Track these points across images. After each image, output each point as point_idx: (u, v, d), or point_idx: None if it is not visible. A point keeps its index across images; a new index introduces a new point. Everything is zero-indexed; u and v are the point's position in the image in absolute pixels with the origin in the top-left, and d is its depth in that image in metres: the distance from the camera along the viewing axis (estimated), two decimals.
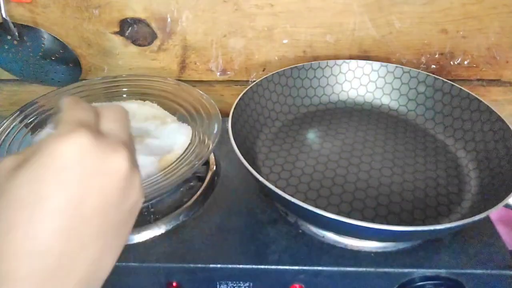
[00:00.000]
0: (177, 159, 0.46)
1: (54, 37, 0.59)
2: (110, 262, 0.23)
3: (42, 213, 0.20)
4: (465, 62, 0.62)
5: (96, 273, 0.23)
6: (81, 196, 0.21)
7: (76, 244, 0.21)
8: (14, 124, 0.50)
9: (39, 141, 0.22)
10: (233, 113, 0.48)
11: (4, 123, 0.49)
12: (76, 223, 0.21)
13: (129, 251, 0.42)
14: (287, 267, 0.41)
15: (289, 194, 0.37)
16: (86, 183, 0.21)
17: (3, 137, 0.47)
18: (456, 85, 0.55)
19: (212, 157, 0.53)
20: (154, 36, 0.61)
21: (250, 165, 0.41)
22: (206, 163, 0.52)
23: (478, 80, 0.64)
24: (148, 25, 0.60)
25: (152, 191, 0.41)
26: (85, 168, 0.21)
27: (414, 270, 0.40)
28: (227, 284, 0.42)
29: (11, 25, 0.56)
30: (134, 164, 0.24)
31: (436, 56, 0.62)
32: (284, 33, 0.60)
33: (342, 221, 0.35)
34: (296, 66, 0.58)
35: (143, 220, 0.44)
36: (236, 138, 0.44)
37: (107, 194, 0.22)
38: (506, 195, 0.39)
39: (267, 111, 0.56)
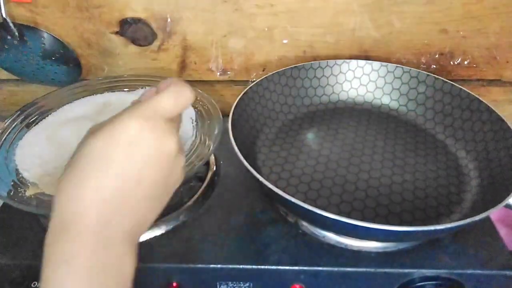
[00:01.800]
0: None
1: (54, 37, 0.59)
2: (151, 219, 0.29)
3: (109, 173, 0.26)
4: (465, 62, 0.62)
5: (141, 226, 0.28)
6: (140, 166, 0.26)
7: (131, 201, 0.27)
8: (14, 124, 0.50)
9: (119, 113, 0.27)
10: (233, 113, 0.48)
11: (4, 124, 0.49)
12: (133, 185, 0.26)
13: None
14: (287, 267, 0.41)
15: (289, 194, 0.37)
16: (145, 157, 0.27)
17: (3, 137, 0.47)
18: (456, 85, 0.55)
19: (212, 157, 0.53)
20: (154, 36, 0.61)
21: (250, 165, 0.41)
22: (207, 163, 0.52)
23: (478, 80, 0.64)
24: (148, 25, 0.60)
25: None
26: (147, 146, 0.26)
27: (414, 270, 0.41)
28: (227, 284, 0.42)
29: (11, 25, 0.56)
30: (181, 148, 0.29)
31: (436, 56, 0.62)
32: (284, 33, 0.60)
33: (343, 221, 0.35)
34: (296, 66, 0.58)
35: None
36: (236, 138, 0.44)
37: (159, 168, 0.27)
38: (506, 195, 0.39)
39: (267, 111, 0.56)
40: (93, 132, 0.27)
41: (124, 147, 0.26)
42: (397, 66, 0.59)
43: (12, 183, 0.42)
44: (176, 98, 0.28)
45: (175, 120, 0.30)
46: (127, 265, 0.27)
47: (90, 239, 0.25)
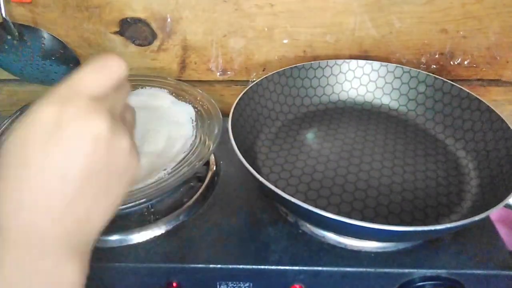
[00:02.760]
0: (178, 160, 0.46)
1: (54, 37, 0.59)
2: (98, 220, 0.25)
3: (27, 175, 0.22)
4: (465, 62, 0.62)
5: (83, 230, 0.24)
6: (62, 157, 0.22)
7: (57, 202, 0.22)
8: (14, 124, 0.50)
9: (34, 103, 0.23)
10: (233, 113, 0.48)
11: (4, 124, 0.49)
12: (56, 182, 0.22)
13: (129, 251, 0.42)
14: (287, 267, 0.41)
15: (289, 194, 0.37)
16: (67, 146, 0.22)
17: (3, 138, 0.47)
18: (456, 85, 0.55)
19: (212, 157, 0.53)
20: (154, 36, 0.61)
21: (250, 165, 0.41)
22: (206, 163, 0.52)
23: (478, 80, 0.64)
24: (148, 25, 0.60)
25: (153, 192, 0.41)
26: (68, 133, 0.22)
27: (414, 270, 0.41)
28: (227, 284, 0.42)
29: (11, 25, 0.56)
30: (117, 128, 0.24)
31: (436, 56, 0.62)
32: (284, 33, 0.60)
33: (342, 221, 0.35)
34: (296, 66, 0.58)
35: (143, 220, 0.44)
36: (236, 138, 0.44)
37: (88, 155, 0.23)
38: (506, 195, 0.39)
39: (267, 111, 0.56)
40: (12, 129, 0.23)
41: (41, 139, 0.22)
42: (397, 66, 0.59)
43: None
44: (101, 71, 0.24)
45: (108, 97, 0.25)
46: (67, 275, 0.24)
47: (14, 248, 0.22)
